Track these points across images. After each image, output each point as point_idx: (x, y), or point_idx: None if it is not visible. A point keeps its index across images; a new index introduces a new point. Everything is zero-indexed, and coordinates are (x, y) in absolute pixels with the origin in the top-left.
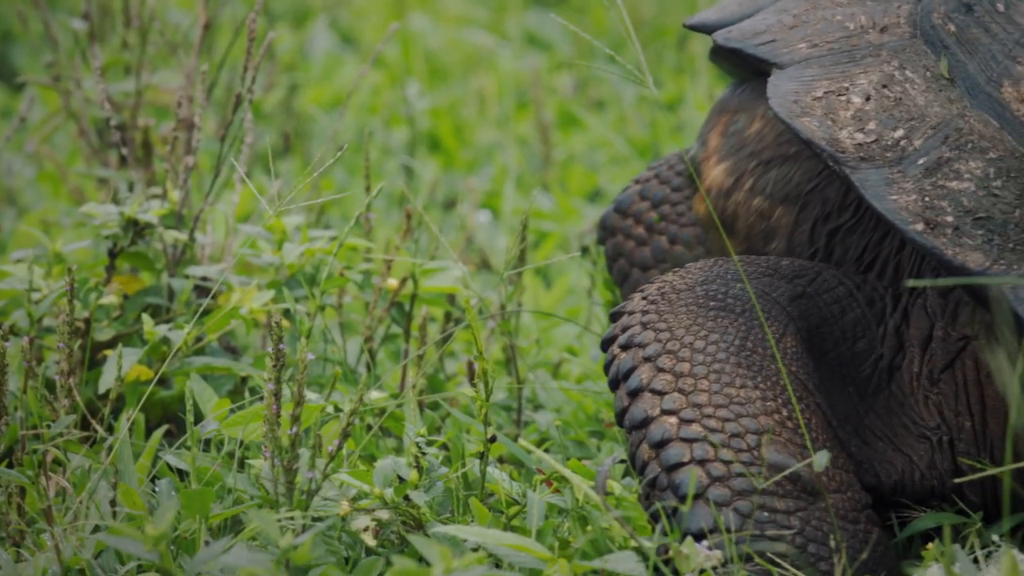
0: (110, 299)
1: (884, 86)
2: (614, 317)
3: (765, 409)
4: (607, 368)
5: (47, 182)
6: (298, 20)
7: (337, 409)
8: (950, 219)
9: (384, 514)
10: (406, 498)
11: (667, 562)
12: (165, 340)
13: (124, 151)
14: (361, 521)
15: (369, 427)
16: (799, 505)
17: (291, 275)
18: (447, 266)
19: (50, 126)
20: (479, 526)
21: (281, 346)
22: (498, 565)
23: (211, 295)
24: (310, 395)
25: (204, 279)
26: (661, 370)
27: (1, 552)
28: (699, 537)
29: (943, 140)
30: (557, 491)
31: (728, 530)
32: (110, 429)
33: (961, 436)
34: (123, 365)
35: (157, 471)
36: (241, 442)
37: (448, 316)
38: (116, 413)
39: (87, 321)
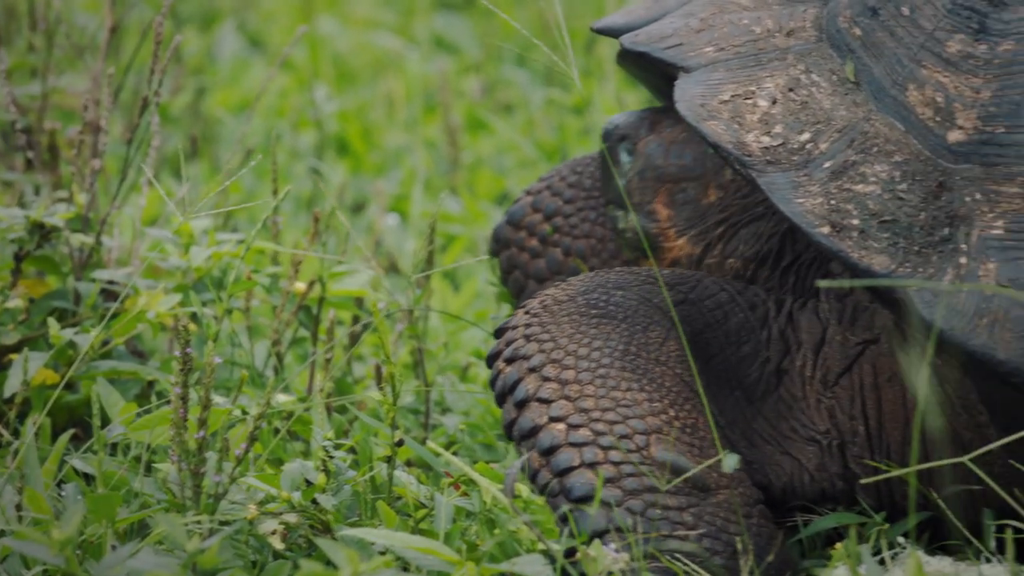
0: (16, 303)
1: (790, 89)
2: (498, 333)
3: (652, 410)
4: (493, 383)
5: None
6: (206, 23)
7: (244, 413)
8: (856, 222)
9: (292, 518)
10: (314, 502)
11: (574, 564)
12: (71, 344)
13: (30, 154)
14: (269, 525)
15: (276, 431)
16: (691, 501)
17: (198, 279)
18: (355, 269)
19: None
20: (387, 529)
21: (188, 350)
22: (406, 568)
23: (119, 299)
24: (217, 399)
25: (111, 283)
26: (546, 379)
27: None
28: (596, 538)
29: (849, 143)
30: (465, 494)
31: (620, 529)
32: (16, 433)
33: (855, 440)
34: (29, 369)
35: (63, 475)
36: (148, 446)
37: (356, 319)
38: (22, 417)
39: None
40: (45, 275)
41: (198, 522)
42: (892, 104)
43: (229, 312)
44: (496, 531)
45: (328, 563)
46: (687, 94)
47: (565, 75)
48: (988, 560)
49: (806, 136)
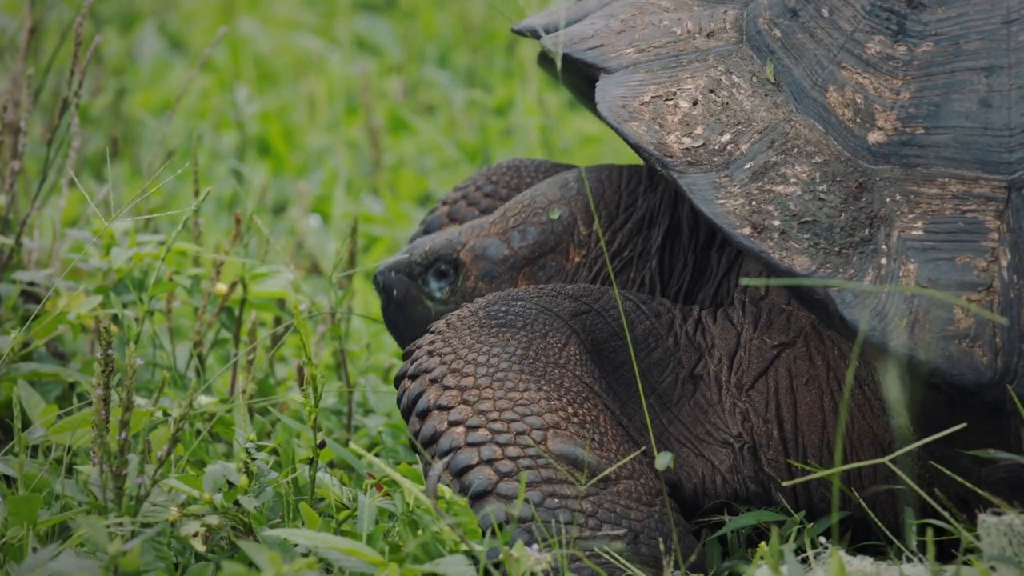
0: None
1: (711, 91)
2: (406, 356)
3: (550, 407)
4: (399, 401)
5: None
6: (126, 24)
7: (167, 415)
8: (777, 223)
9: (214, 519)
10: (236, 503)
11: (497, 566)
12: None
13: None
14: (190, 527)
15: (199, 432)
16: (590, 491)
17: (119, 280)
18: (277, 270)
19: None
20: (310, 530)
21: (109, 351)
22: (328, 570)
23: (40, 301)
24: (139, 401)
25: (31, 284)
26: (447, 388)
27: None
28: (495, 531)
29: (769, 144)
30: (387, 495)
31: (522, 520)
32: None
33: (769, 444)
34: None
35: None
36: (69, 448)
37: (278, 321)
38: None
39: None
40: None
41: (120, 524)
42: (812, 105)
43: (150, 314)
44: (419, 532)
45: (251, 564)
46: (608, 95)
47: (481, 77)
48: (909, 560)
49: (727, 137)
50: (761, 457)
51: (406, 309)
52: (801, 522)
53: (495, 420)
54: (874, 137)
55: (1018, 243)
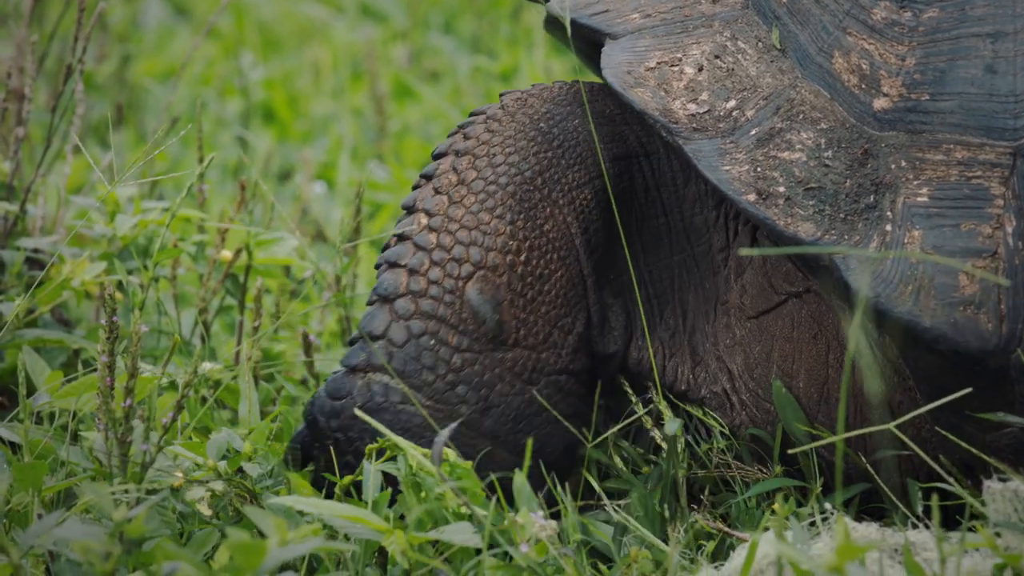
0: None
1: (716, 56)
2: (450, 136)
3: (504, 247)
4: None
5: None
6: None
7: (172, 382)
8: (782, 189)
9: (218, 485)
10: (240, 470)
11: (503, 532)
12: None
13: None
14: (196, 492)
15: (204, 399)
16: (470, 346)
17: (124, 247)
18: (282, 237)
19: None
20: (315, 498)
21: (114, 318)
22: (333, 536)
23: (44, 268)
24: (144, 367)
25: (36, 251)
26: (454, 169)
27: None
28: (372, 339)
29: (775, 111)
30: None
31: (392, 342)
32: None
33: (752, 376)
34: None
35: None
36: (74, 415)
37: (282, 288)
38: None
39: None
40: None
41: (125, 491)
42: (818, 71)
43: (155, 280)
44: (423, 496)
45: (256, 531)
46: (613, 61)
47: (487, 44)
48: (915, 526)
49: (732, 103)
50: (740, 387)
51: None
52: (818, 488)
53: (451, 233)
54: (880, 103)
55: (1023, 209)
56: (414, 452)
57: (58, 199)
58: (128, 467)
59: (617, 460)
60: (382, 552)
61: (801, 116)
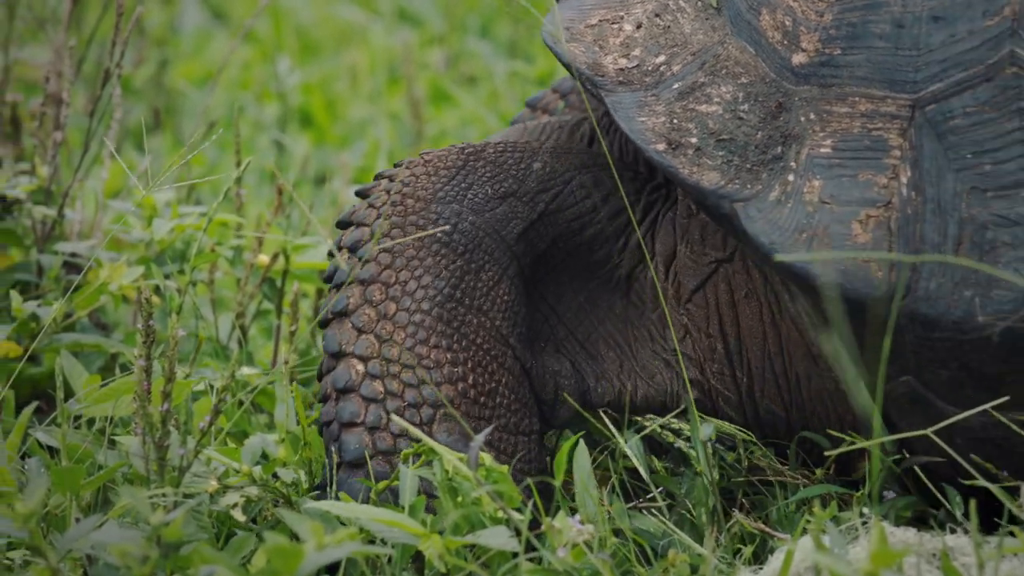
0: None
1: (657, 15)
2: (340, 223)
3: (451, 376)
4: (329, 259)
5: None
6: None
7: (209, 386)
8: (694, 140)
9: (253, 491)
10: (275, 475)
11: (540, 536)
12: (34, 316)
13: None
14: (231, 498)
15: (241, 403)
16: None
17: (161, 251)
18: (318, 242)
19: None
20: (351, 502)
21: (151, 322)
22: (371, 541)
23: (81, 272)
24: (181, 371)
25: (73, 255)
26: (369, 302)
27: None
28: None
29: (700, 66)
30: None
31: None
32: None
33: (713, 357)
34: None
35: (27, 448)
36: (111, 419)
37: (320, 292)
38: None
39: None
40: (7, 248)
41: (162, 495)
42: (746, 28)
43: (192, 284)
44: (459, 500)
45: (293, 535)
46: (556, 19)
47: (523, 48)
48: (953, 531)
49: (662, 58)
50: (707, 369)
51: None
52: (860, 494)
53: (395, 376)
54: (797, 59)
55: (919, 160)
56: (450, 457)
57: (96, 203)
58: (165, 471)
59: (655, 461)
60: (418, 556)
61: (724, 71)
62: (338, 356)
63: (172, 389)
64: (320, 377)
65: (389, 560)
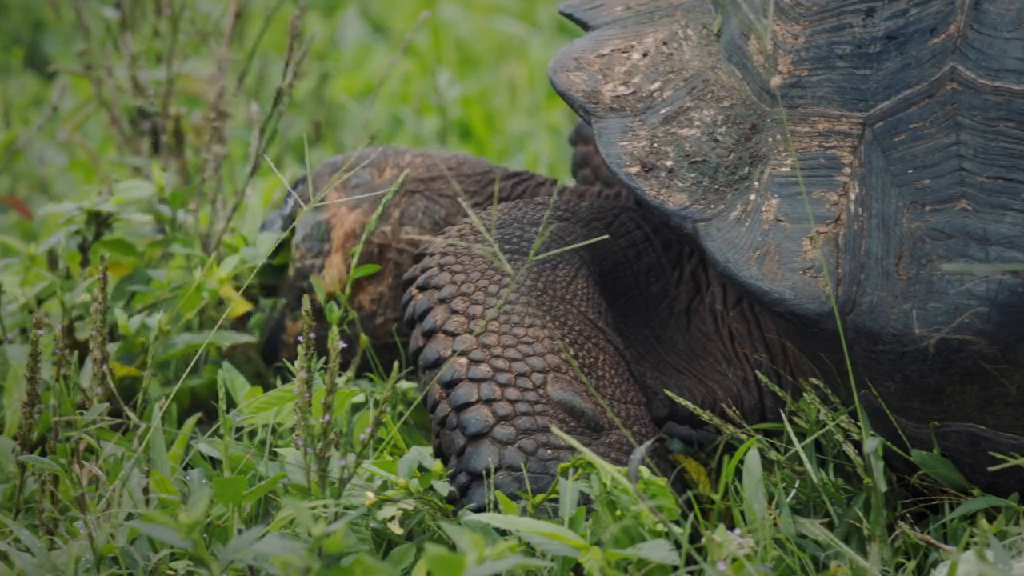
0: (84, 297)
1: (665, 43)
2: (416, 259)
3: (552, 348)
4: (404, 307)
5: (79, 170)
6: (329, 9)
7: (370, 398)
8: (669, 163)
9: (409, 504)
10: (431, 488)
11: (699, 550)
12: (144, 327)
13: (157, 139)
14: (387, 511)
15: (400, 415)
16: (583, 441)
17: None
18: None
19: (82, 115)
20: (511, 515)
21: (311, 334)
22: (530, 553)
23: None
24: (341, 383)
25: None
26: (455, 312)
27: (35, 540)
28: (479, 476)
29: (689, 91)
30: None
31: (513, 468)
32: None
33: (761, 368)
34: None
35: (190, 459)
36: (273, 429)
37: None
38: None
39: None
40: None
41: (324, 506)
42: (737, 53)
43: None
44: (618, 513)
45: (452, 547)
46: (569, 50)
47: None
48: None
49: (657, 85)
50: (760, 382)
51: None
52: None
53: (498, 357)
54: (775, 81)
55: (867, 177)
56: (609, 470)
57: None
58: (326, 483)
59: (823, 474)
60: (578, 569)
61: (710, 95)
62: (437, 364)
63: (333, 401)
64: (426, 402)
65: (549, 572)
